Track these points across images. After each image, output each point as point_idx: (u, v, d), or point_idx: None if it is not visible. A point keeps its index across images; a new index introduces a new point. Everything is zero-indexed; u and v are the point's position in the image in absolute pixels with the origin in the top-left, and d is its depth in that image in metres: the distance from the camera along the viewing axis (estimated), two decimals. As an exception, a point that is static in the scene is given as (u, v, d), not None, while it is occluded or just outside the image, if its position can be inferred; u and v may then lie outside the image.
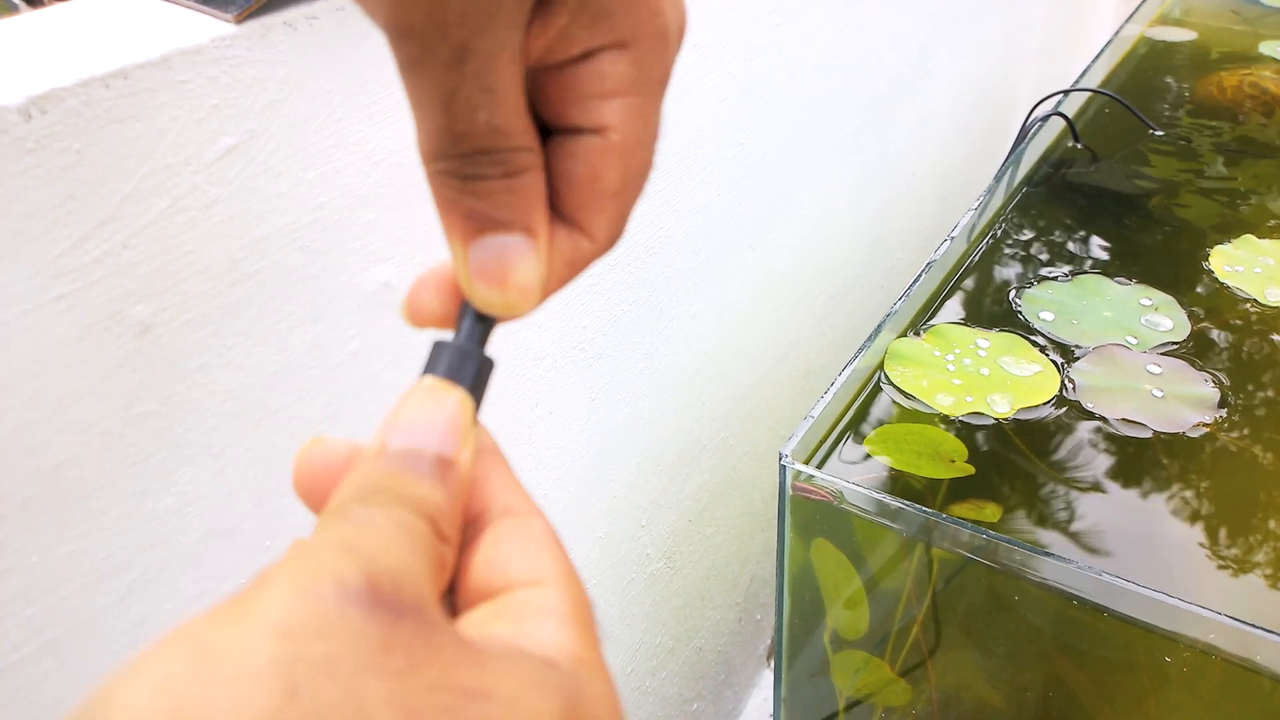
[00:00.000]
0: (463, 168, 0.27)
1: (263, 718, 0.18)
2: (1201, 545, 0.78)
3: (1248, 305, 1.01)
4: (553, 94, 0.28)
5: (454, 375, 0.28)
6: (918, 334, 0.97)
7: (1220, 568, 0.77)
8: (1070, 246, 1.12)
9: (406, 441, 0.26)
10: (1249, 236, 1.11)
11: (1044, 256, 1.10)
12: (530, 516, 0.27)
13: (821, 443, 0.87)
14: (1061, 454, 0.85)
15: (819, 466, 0.84)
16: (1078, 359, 0.94)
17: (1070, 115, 1.35)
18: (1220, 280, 1.05)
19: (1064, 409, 0.89)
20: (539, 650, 0.23)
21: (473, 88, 0.26)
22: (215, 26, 0.50)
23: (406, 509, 0.24)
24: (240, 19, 0.51)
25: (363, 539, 0.23)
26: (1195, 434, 0.86)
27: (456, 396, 0.27)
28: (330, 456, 0.27)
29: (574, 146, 0.28)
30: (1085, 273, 1.06)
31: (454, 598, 0.26)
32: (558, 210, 0.29)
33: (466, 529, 0.27)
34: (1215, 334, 0.97)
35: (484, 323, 0.29)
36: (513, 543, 0.26)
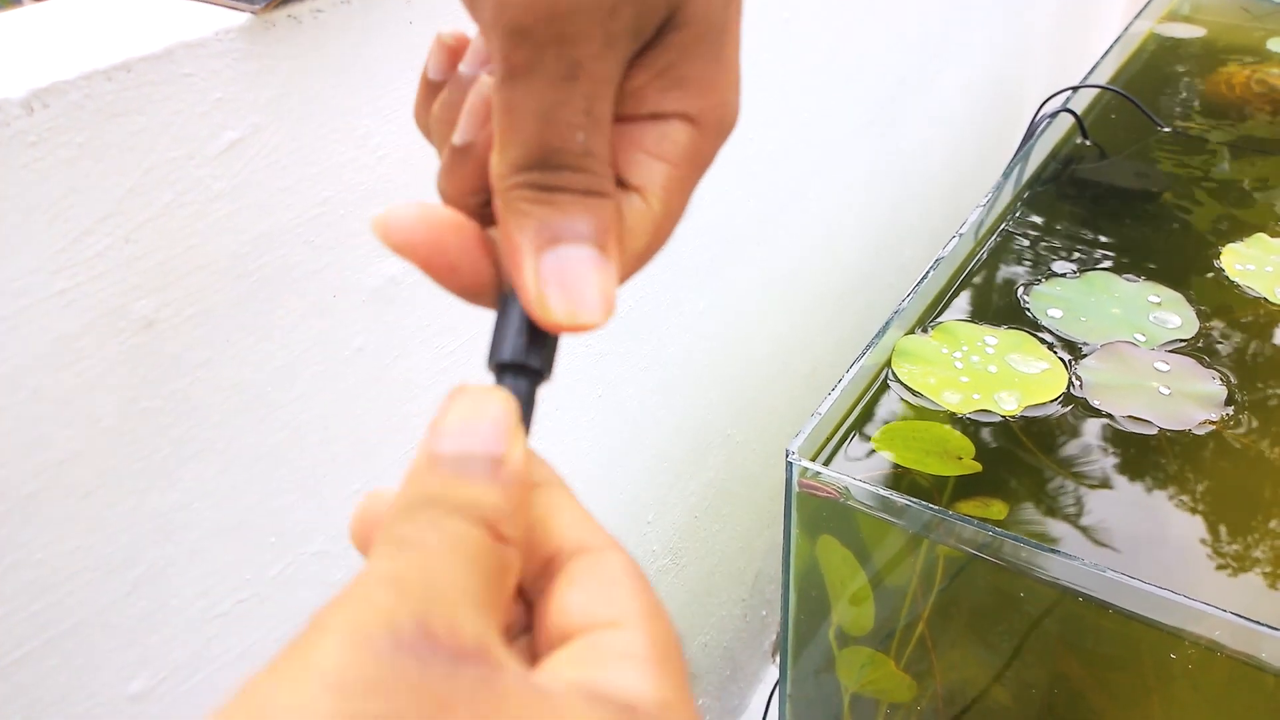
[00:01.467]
0: (545, 179, 0.27)
1: None
2: (1206, 542, 0.78)
3: (1258, 304, 1.01)
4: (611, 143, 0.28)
5: (500, 381, 0.28)
6: (925, 331, 0.97)
7: (1225, 564, 0.76)
8: (1078, 243, 1.11)
9: (453, 446, 0.25)
10: (1261, 235, 1.11)
11: (1052, 253, 1.10)
12: (605, 551, 0.26)
13: (828, 440, 0.86)
14: (1068, 451, 0.85)
15: (826, 463, 0.84)
16: (1085, 356, 0.93)
17: (1079, 112, 1.35)
18: (1231, 278, 1.04)
19: (1071, 406, 0.88)
20: (618, 695, 0.22)
21: (576, 108, 0.26)
22: (218, 19, 0.50)
23: (459, 518, 0.24)
24: (265, 10, 0.51)
25: (416, 569, 0.22)
26: (1201, 431, 0.86)
27: (499, 396, 0.26)
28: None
29: (619, 201, 0.28)
30: (1093, 269, 1.06)
31: (533, 642, 0.25)
32: None
33: (540, 572, 0.26)
34: (1224, 332, 0.97)
35: (537, 337, 0.28)
36: (588, 583, 0.25)
